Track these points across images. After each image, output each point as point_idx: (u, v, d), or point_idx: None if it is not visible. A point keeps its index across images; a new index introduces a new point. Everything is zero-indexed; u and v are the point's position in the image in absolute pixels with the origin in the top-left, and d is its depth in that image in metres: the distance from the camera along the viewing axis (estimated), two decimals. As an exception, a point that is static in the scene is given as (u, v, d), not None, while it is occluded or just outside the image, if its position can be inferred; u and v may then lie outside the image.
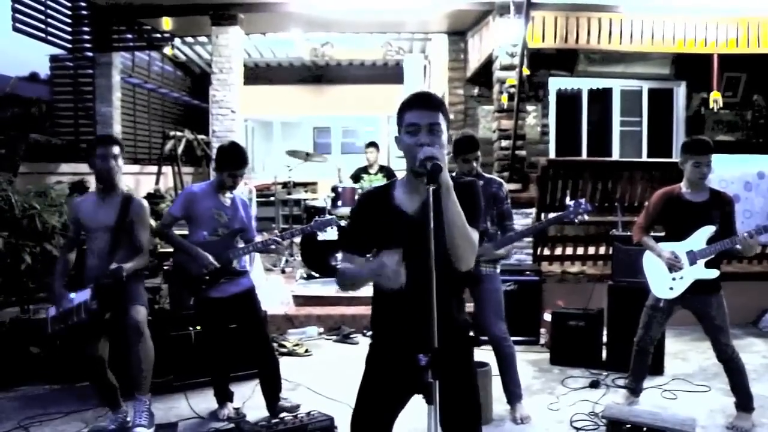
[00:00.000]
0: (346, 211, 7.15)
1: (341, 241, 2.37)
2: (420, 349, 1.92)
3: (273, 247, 4.20)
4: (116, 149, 3.78)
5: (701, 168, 3.85)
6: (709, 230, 3.85)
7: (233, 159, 4.03)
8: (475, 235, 2.11)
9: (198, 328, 4.65)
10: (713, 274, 3.87)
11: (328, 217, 4.55)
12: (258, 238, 4.32)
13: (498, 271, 4.18)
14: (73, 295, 3.69)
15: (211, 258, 3.92)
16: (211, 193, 4.07)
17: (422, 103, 2.15)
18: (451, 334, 2.17)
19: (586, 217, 4.01)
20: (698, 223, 3.88)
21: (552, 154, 8.80)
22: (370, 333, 5.88)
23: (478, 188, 2.25)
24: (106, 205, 3.80)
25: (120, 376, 3.91)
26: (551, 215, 6.02)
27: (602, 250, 6.68)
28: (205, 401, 4.33)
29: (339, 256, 7.35)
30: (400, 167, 9.47)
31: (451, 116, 9.20)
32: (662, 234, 4.13)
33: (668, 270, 3.94)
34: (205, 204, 4.03)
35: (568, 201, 4.08)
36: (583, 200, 4.02)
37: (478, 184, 2.28)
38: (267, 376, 4.16)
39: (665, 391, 4.60)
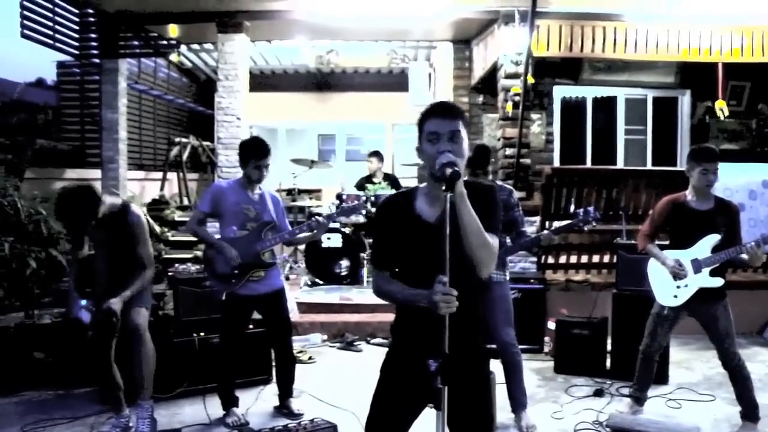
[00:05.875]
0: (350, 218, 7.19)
1: (375, 259, 2.35)
2: (436, 356, 1.94)
3: (299, 235, 4.24)
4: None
5: (708, 175, 3.85)
6: (713, 238, 3.85)
7: (255, 149, 4.09)
8: (493, 241, 2.11)
9: (202, 334, 4.67)
10: (718, 282, 3.87)
11: (354, 203, 4.58)
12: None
13: (507, 278, 4.20)
14: (83, 302, 3.75)
15: (235, 253, 3.97)
16: (239, 189, 4.13)
17: (443, 111, 2.17)
18: (467, 342, 2.18)
19: (595, 225, 4.02)
20: (703, 231, 3.87)
21: (556, 163, 8.78)
22: (375, 341, 5.91)
23: (496, 195, 2.26)
24: (105, 223, 3.79)
25: (124, 380, 3.93)
26: (556, 223, 6.03)
27: (606, 259, 6.66)
28: (209, 407, 4.33)
29: (343, 263, 7.38)
30: (404, 175, 9.50)
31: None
32: (667, 242, 4.12)
33: (673, 278, 3.93)
34: (232, 199, 4.09)
35: (575, 209, 4.07)
36: (591, 208, 4.02)
37: (496, 191, 2.29)
38: (284, 374, 4.34)
39: (670, 400, 4.58)
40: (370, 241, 7.44)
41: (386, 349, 2.39)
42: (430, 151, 2.13)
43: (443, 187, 1.97)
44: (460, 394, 2.04)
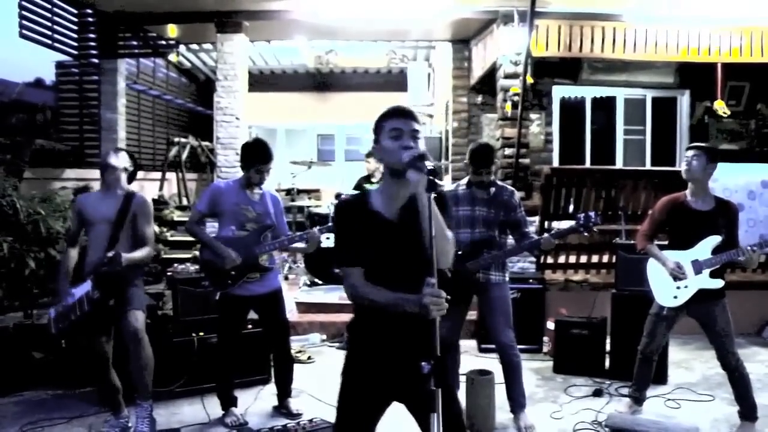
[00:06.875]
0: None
1: (343, 258, 2.34)
2: (407, 354, 2.01)
3: (299, 242, 4.18)
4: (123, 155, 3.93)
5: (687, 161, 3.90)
6: (715, 240, 3.84)
7: (258, 154, 4.06)
8: (450, 233, 2.17)
9: (201, 334, 4.67)
10: (718, 283, 3.86)
11: None
12: None
13: (507, 279, 4.19)
14: (74, 290, 3.72)
15: (233, 254, 3.95)
16: (238, 189, 4.11)
17: (403, 113, 2.25)
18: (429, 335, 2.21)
19: (595, 230, 4.01)
20: (704, 231, 3.86)
21: (555, 163, 8.79)
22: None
23: (446, 196, 2.33)
24: (109, 199, 3.84)
25: (122, 380, 3.93)
26: (555, 225, 6.03)
27: (605, 259, 6.66)
28: (208, 407, 4.34)
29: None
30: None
31: (455, 124, 9.26)
32: (666, 242, 4.11)
33: (672, 278, 3.93)
34: (231, 199, 4.07)
35: (574, 211, 4.04)
36: (592, 213, 4.00)
37: (446, 193, 2.36)
38: (283, 374, 4.34)
39: (669, 400, 4.58)
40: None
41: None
42: (393, 146, 2.18)
43: (425, 187, 1.97)
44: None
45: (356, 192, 2.40)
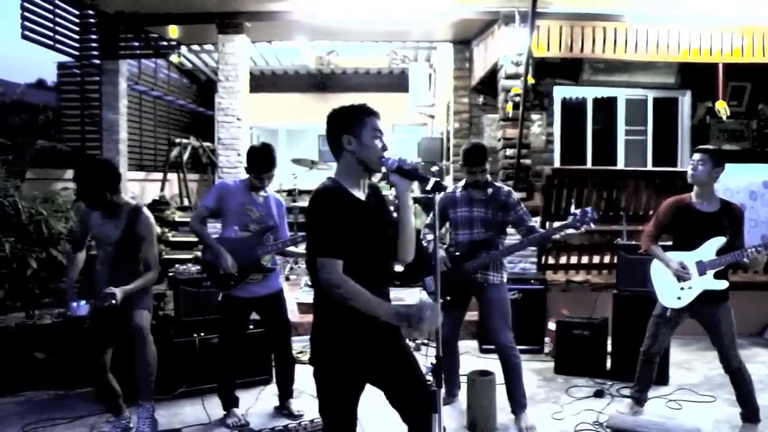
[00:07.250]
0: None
1: (325, 248, 2.31)
2: (373, 340, 2.20)
3: (300, 243, 4.19)
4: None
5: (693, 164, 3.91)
6: (719, 241, 3.83)
7: (262, 161, 4.06)
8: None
9: (202, 334, 4.67)
10: (722, 285, 3.85)
11: None
12: None
13: (505, 279, 4.18)
14: (82, 303, 3.75)
15: (230, 261, 3.93)
16: (244, 190, 4.12)
17: (378, 114, 2.41)
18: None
19: (592, 226, 3.98)
20: (708, 233, 3.86)
21: (557, 163, 8.78)
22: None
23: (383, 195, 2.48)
24: (113, 219, 3.81)
25: (124, 382, 3.93)
26: (556, 224, 6.01)
27: (607, 259, 6.66)
28: (209, 407, 4.34)
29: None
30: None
31: (457, 125, 9.26)
32: (670, 243, 4.11)
33: (677, 280, 3.92)
34: (236, 199, 4.07)
35: (573, 210, 4.02)
36: (589, 209, 3.99)
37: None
38: (284, 375, 4.34)
39: (670, 401, 4.58)
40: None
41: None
42: (377, 145, 2.34)
43: (428, 187, 2.13)
44: (393, 368, 2.28)
45: (331, 183, 2.42)
